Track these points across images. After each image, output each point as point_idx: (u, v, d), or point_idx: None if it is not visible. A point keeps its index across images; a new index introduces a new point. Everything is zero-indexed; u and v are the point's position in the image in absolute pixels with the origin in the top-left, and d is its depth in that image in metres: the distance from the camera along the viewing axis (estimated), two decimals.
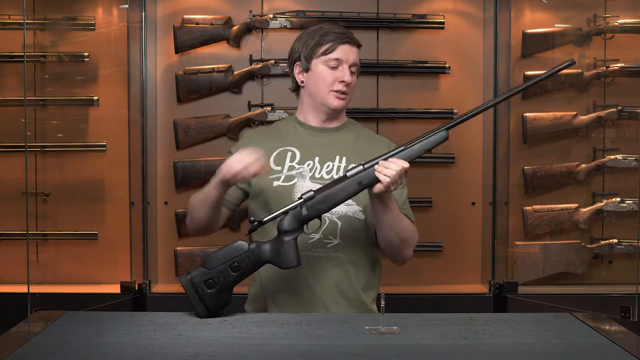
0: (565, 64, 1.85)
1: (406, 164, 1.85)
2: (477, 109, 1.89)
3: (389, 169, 1.83)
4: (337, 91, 2.05)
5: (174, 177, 3.45)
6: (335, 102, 2.06)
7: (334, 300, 2.04)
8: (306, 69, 2.08)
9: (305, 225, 1.85)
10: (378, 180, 1.84)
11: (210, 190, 1.98)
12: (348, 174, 1.86)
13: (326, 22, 2.17)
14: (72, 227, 3.46)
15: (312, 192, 1.85)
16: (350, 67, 2.05)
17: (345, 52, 2.04)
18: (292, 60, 2.12)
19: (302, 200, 1.84)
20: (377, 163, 1.85)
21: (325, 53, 2.04)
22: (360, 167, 1.85)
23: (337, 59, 2.04)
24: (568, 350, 1.54)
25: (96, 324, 1.73)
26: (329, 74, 2.04)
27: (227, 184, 1.94)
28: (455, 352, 1.52)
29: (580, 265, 3.49)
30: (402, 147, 1.87)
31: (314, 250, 2.04)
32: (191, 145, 3.47)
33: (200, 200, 2.02)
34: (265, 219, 1.85)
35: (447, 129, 1.88)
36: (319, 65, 2.05)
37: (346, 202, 2.03)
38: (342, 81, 2.04)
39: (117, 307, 3.21)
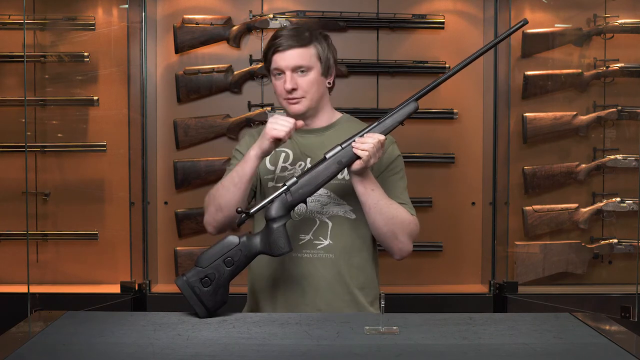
0: (519, 24, 1.95)
1: (382, 137, 1.90)
2: (440, 79, 1.97)
3: (366, 143, 1.88)
4: (286, 99, 2.06)
5: (174, 177, 3.45)
6: (291, 108, 2.07)
7: (327, 302, 2.04)
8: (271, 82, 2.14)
9: (292, 211, 1.89)
10: (357, 157, 1.89)
11: (245, 165, 1.95)
12: (327, 155, 1.90)
13: (285, 28, 2.17)
14: (72, 227, 3.46)
15: (295, 179, 1.88)
16: (295, 70, 2.04)
17: (284, 59, 2.04)
18: None
19: (285, 187, 1.87)
20: (354, 140, 1.90)
21: (269, 67, 2.08)
22: (339, 147, 1.90)
23: (276, 69, 2.06)
24: (568, 350, 1.54)
25: (96, 324, 1.73)
26: (278, 85, 2.07)
27: (269, 150, 1.94)
28: (455, 352, 1.52)
29: (580, 265, 3.49)
30: (375, 124, 1.93)
31: (304, 251, 2.04)
32: (191, 145, 3.47)
33: (231, 181, 1.97)
34: (252, 210, 1.86)
35: (416, 99, 1.95)
36: (272, 77, 2.10)
37: (337, 201, 2.05)
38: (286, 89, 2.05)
39: (117, 307, 3.21)
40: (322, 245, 2.05)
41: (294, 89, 2.04)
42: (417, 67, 3.46)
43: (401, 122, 1.94)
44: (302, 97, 2.05)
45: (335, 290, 2.05)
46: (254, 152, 1.95)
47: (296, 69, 2.04)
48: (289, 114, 2.09)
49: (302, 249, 2.04)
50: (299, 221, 2.04)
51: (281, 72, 2.05)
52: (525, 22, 1.96)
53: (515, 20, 3.34)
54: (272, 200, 1.87)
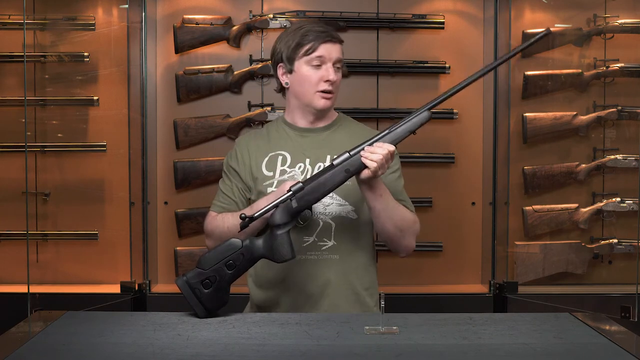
0: (542, 34, 1.86)
1: (392, 147, 1.85)
2: (454, 87, 1.87)
3: (375, 153, 1.83)
4: (322, 91, 2.02)
5: (174, 177, 3.45)
6: (321, 103, 2.03)
7: (332, 302, 2.03)
8: (290, 71, 2.05)
9: (297, 218, 1.86)
10: (365, 166, 1.84)
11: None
12: (334, 162, 1.86)
13: (307, 21, 2.14)
14: (72, 227, 3.46)
15: (301, 184, 1.85)
16: (334, 64, 2.02)
17: (328, 50, 2.00)
18: (275, 61, 2.09)
19: (291, 192, 1.84)
20: (363, 149, 1.85)
21: (307, 53, 2.01)
22: (347, 155, 1.85)
23: (319, 57, 2.00)
24: (568, 350, 1.54)
25: (96, 324, 1.73)
26: (313, 74, 2.01)
27: None
28: (455, 352, 1.52)
29: (580, 265, 3.49)
30: (387, 131, 1.87)
31: (308, 253, 2.03)
32: (191, 145, 3.47)
33: (237, 227, 1.92)
34: (256, 215, 1.84)
35: (429, 109, 1.89)
36: (302, 66, 2.02)
37: (340, 202, 2.04)
38: (327, 80, 2.01)
39: (117, 307, 3.21)
40: (327, 247, 2.04)
41: (334, 82, 2.01)
42: (417, 67, 3.45)
43: (413, 132, 1.88)
44: (333, 94, 2.04)
45: (341, 292, 2.04)
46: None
47: (335, 63, 2.02)
48: (312, 110, 2.06)
49: (307, 251, 2.03)
50: None
51: (322, 62, 2.01)
52: (549, 32, 1.87)
53: (515, 20, 3.38)
54: (276, 205, 1.84)
